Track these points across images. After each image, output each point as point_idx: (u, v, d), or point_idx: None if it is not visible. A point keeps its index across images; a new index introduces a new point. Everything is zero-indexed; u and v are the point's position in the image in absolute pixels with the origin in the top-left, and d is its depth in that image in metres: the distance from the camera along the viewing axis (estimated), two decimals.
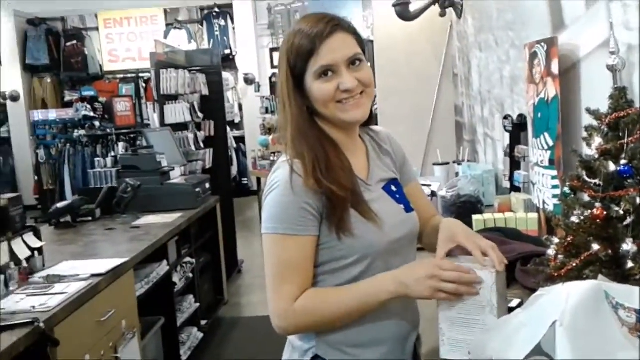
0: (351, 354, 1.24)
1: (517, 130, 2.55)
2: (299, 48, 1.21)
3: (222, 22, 9.18)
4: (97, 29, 9.42)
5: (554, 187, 1.96)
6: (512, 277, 1.63)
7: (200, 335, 3.62)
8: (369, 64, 1.29)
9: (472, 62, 3.59)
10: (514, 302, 1.44)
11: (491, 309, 1.15)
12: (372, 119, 1.38)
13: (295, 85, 1.23)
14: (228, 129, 6.11)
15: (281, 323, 1.20)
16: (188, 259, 3.52)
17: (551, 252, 1.34)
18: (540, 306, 1.05)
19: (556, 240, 1.34)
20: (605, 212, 1.22)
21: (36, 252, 2.38)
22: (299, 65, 1.21)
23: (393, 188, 1.34)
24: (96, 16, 9.36)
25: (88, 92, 8.42)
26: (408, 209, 1.33)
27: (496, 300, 1.15)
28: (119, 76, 9.33)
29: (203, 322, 3.72)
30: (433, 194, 2.54)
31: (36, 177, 7.72)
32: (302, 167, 1.19)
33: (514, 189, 2.55)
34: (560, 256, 1.31)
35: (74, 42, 9.29)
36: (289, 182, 1.18)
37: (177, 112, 4.51)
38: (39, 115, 7.76)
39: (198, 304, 3.60)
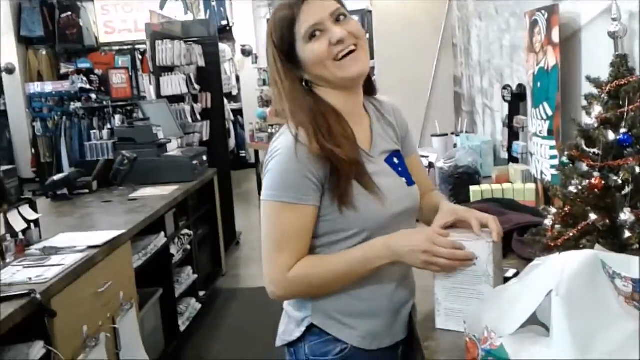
0: (346, 323, 1.24)
1: (516, 100, 2.52)
2: (281, 19, 1.21)
3: None
4: (92, 0, 9.28)
5: (553, 157, 1.94)
6: (508, 247, 1.62)
7: (199, 305, 3.65)
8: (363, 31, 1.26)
9: (471, 32, 3.54)
10: (510, 272, 1.43)
11: (487, 279, 1.15)
12: (374, 87, 1.37)
13: (286, 58, 1.21)
14: (225, 101, 6.07)
15: (275, 289, 1.21)
16: (186, 230, 3.52)
17: (548, 222, 1.33)
18: (535, 276, 1.04)
19: (553, 210, 1.33)
20: (603, 182, 1.21)
21: (32, 224, 2.37)
22: (285, 35, 1.20)
23: (395, 160, 1.33)
24: None
25: (84, 64, 8.34)
26: (410, 182, 1.32)
27: (492, 271, 1.14)
28: (115, 48, 9.21)
29: (201, 293, 3.74)
30: (431, 165, 2.51)
31: (33, 150, 7.69)
32: (304, 134, 1.17)
33: (512, 159, 2.53)
34: (557, 226, 1.30)
35: (69, 13, 9.14)
36: (293, 149, 1.16)
37: (174, 84, 4.46)
38: (35, 87, 7.71)
39: (196, 275, 3.61)
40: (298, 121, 1.19)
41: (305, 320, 1.26)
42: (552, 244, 1.28)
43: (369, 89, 1.35)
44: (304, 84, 1.24)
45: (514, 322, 1.03)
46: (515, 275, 1.40)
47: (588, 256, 1.00)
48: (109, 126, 4.80)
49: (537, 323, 1.07)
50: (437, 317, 1.23)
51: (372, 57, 4.67)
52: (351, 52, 1.20)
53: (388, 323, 1.26)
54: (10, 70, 8.82)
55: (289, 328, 1.29)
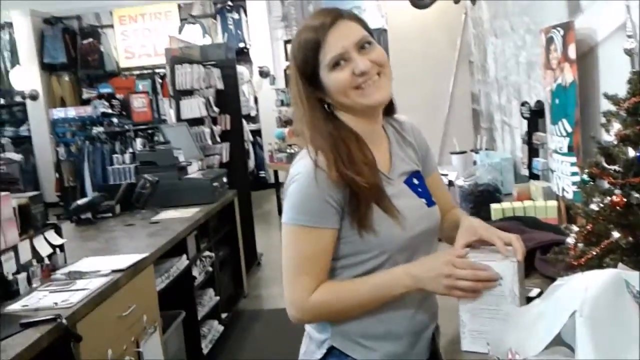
0: (367, 346, 1.24)
1: (535, 116, 2.52)
2: (305, 43, 1.21)
3: (236, 16, 9.19)
4: (112, 26, 9.49)
5: (574, 174, 1.93)
6: (531, 266, 1.61)
7: (221, 328, 3.65)
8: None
9: (487, 49, 3.55)
10: (534, 292, 1.42)
11: (513, 298, 1.14)
12: (394, 107, 1.38)
13: (308, 82, 1.22)
14: (244, 122, 6.13)
15: (296, 313, 1.22)
16: (207, 252, 3.54)
17: (571, 240, 1.32)
18: (559, 296, 1.03)
19: (576, 228, 1.32)
20: (625, 199, 1.20)
21: (57, 249, 2.41)
22: (309, 60, 1.20)
23: (415, 181, 1.33)
24: (111, 13, 9.43)
25: (105, 89, 8.50)
26: (430, 202, 1.32)
27: (518, 290, 1.14)
28: (135, 72, 9.39)
29: (223, 315, 3.75)
30: (450, 183, 2.52)
31: (57, 175, 7.81)
32: (324, 160, 1.18)
33: (533, 176, 2.52)
34: (579, 244, 1.29)
35: (90, 39, 9.37)
36: (312, 174, 1.17)
37: (193, 107, 4.52)
38: (58, 113, 7.86)
39: (218, 297, 3.62)
40: (317, 146, 1.20)
41: (326, 342, 1.26)
42: (575, 263, 1.27)
43: (389, 108, 1.35)
44: (325, 106, 1.25)
45: (538, 343, 1.02)
46: (539, 294, 1.39)
47: (611, 275, 0.99)
48: (130, 150, 4.87)
49: (562, 344, 1.07)
50: (463, 340, 1.22)
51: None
52: (373, 81, 1.21)
53: (409, 345, 1.25)
54: (34, 97, 9.04)
55: (309, 349, 1.30)
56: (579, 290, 0.99)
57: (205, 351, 3.31)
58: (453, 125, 4.07)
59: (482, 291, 1.15)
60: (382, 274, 1.20)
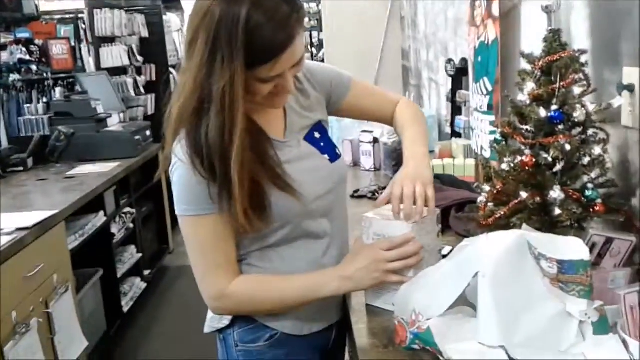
0: (283, 315, 1.20)
1: (460, 74, 2.51)
2: (261, 39, 0.98)
3: None
4: None
5: (492, 132, 1.93)
6: (445, 224, 1.61)
7: (144, 285, 3.57)
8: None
9: (418, 4, 3.50)
10: (447, 250, 1.42)
11: None
12: None
13: (228, 48, 0.99)
14: (174, 72, 5.88)
15: (219, 305, 1.16)
16: (128, 209, 3.42)
17: (481, 199, 1.32)
18: (463, 257, 1.02)
19: (487, 188, 1.31)
20: (534, 159, 1.19)
21: None
22: (251, 54, 0.99)
23: (316, 135, 1.25)
24: None
25: (23, 34, 7.92)
26: (333, 157, 1.25)
27: None
28: (56, 17, 8.79)
29: (146, 272, 3.66)
30: (375, 140, 2.49)
31: None
32: (185, 145, 1.06)
33: (455, 134, 2.53)
34: (490, 204, 1.29)
35: None
36: (184, 161, 1.06)
37: (114, 55, 4.29)
38: None
39: (140, 255, 3.52)
40: (183, 124, 1.06)
41: None
42: (484, 222, 1.27)
43: None
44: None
45: (442, 305, 1.01)
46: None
47: (514, 238, 0.98)
48: (45, 100, 4.59)
49: (466, 303, 1.07)
50: (366, 293, 1.22)
51: (320, 30, 4.60)
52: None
53: (319, 308, 1.22)
54: None
55: (217, 315, 1.24)
56: (483, 252, 0.99)
57: (125, 309, 3.24)
58: (383, 81, 4.03)
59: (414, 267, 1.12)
60: (310, 275, 1.15)
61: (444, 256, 1.21)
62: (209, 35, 0.99)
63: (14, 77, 6.78)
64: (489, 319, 0.95)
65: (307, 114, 1.25)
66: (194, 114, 1.03)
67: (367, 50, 4.04)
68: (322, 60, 4.60)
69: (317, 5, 7.27)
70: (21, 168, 3.26)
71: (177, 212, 1.12)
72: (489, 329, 0.95)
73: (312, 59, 7.62)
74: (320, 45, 6.80)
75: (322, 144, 1.25)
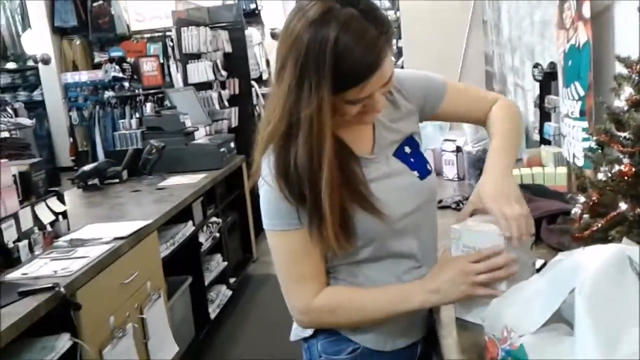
0: (366, 329, 1.20)
1: (548, 79, 2.41)
2: (350, 62, 0.97)
3: None
4: None
5: (585, 139, 1.85)
6: (537, 236, 1.55)
7: (229, 292, 3.67)
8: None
9: (501, 8, 3.41)
10: (539, 263, 1.36)
11: None
12: None
13: (315, 68, 0.99)
14: (256, 85, 6.05)
15: (304, 318, 1.17)
16: (214, 218, 3.53)
17: (576, 211, 1.26)
18: (558, 272, 0.98)
19: (582, 198, 1.25)
20: (634, 169, 1.13)
21: (60, 216, 2.40)
22: (339, 78, 0.99)
23: (407, 150, 1.22)
24: None
25: (116, 53, 8.43)
26: (423, 173, 1.22)
27: None
28: (146, 36, 9.28)
29: (232, 280, 3.76)
30: (458, 149, 2.44)
31: (71, 139, 7.84)
32: (273, 161, 1.08)
33: (544, 141, 2.43)
34: (585, 216, 1.23)
35: (101, 2, 9.24)
36: (276, 186, 1.08)
37: (200, 71, 4.46)
38: (70, 77, 7.84)
39: (226, 263, 3.63)
40: (271, 140, 1.08)
41: None
42: (580, 235, 1.21)
43: None
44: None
45: (536, 321, 0.98)
46: (544, 265, 1.34)
47: (613, 252, 0.93)
48: (138, 115, 4.84)
49: (561, 320, 1.02)
50: (455, 307, 1.19)
51: (399, 37, 4.57)
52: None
53: (403, 323, 1.20)
54: (46, 61, 8.99)
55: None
56: (579, 267, 0.94)
57: (212, 316, 3.34)
58: None
59: (506, 278, 1.09)
60: (395, 288, 1.14)
61: (538, 270, 1.17)
62: (297, 61, 0.99)
63: (108, 94, 7.22)
64: (587, 338, 0.91)
65: (397, 127, 1.22)
66: (283, 138, 1.05)
67: (448, 56, 3.97)
68: (402, 67, 4.57)
69: (395, 13, 7.25)
70: (117, 180, 3.45)
71: (264, 226, 1.14)
72: (587, 348, 0.90)
73: None
74: (399, 53, 6.76)
75: (412, 160, 1.22)
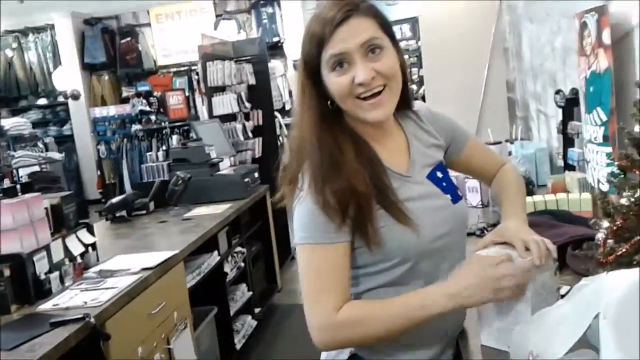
0: (392, 355, 1.20)
1: (570, 105, 2.42)
2: (312, 36, 1.12)
3: (270, 10, 9.19)
4: (149, 24, 9.62)
5: (609, 164, 1.84)
6: (562, 261, 1.54)
7: (254, 323, 3.67)
8: (395, 50, 1.16)
9: (522, 35, 3.44)
10: (564, 289, 1.36)
11: (525, 298, 1.10)
12: (409, 101, 1.28)
13: (312, 76, 1.15)
14: (279, 116, 6.13)
15: (323, 335, 1.12)
16: (239, 248, 3.56)
17: (600, 236, 1.26)
18: (582, 297, 0.98)
19: (605, 223, 1.25)
20: None
21: (90, 248, 2.45)
22: (313, 54, 1.12)
23: (439, 174, 1.25)
24: (148, 12, 9.56)
25: (143, 87, 8.65)
26: (455, 198, 1.24)
27: (531, 293, 1.09)
28: (172, 70, 9.51)
29: (257, 310, 3.76)
30: None
31: (99, 172, 8.01)
32: (309, 179, 1.13)
33: (569, 167, 2.42)
34: (609, 241, 1.23)
35: (128, 38, 9.52)
36: (311, 196, 1.12)
37: (225, 103, 4.55)
38: (99, 112, 8.05)
39: (251, 292, 3.64)
40: (305, 159, 1.14)
41: (348, 349, 1.22)
42: (605, 260, 1.20)
43: (404, 102, 1.25)
44: (329, 103, 1.17)
45: (561, 347, 0.97)
46: (569, 292, 1.33)
47: (638, 276, 0.93)
48: (164, 147, 4.94)
49: (588, 346, 1.01)
50: (482, 334, 1.20)
51: (420, 66, 4.62)
52: (376, 93, 1.12)
53: (435, 353, 1.20)
54: (75, 97, 9.25)
55: (331, 354, 1.26)
56: (603, 292, 0.94)
57: (238, 346, 3.33)
58: (488, 115, 3.96)
59: (526, 285, 1.09)
60: (415, 294, 1.10)
61: (562, 296, 1.17)
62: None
63: (135, 127, 7.38)
64: None
65: (430, 153, 1.26)
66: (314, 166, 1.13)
67: (470, 84, 4.00)
68: (423, 97, 4.60)
69: (417, 42, 7.32)
70: (144, 212, 3.51)
71: (299, 241, 1.14)
72: None
73: (413, 96, 7.63)
74: (420, 82, 6.81)
75: (444, 184, 1.24)
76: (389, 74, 1.12)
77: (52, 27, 9.24)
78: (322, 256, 1.12)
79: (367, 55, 1.11)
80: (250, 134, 4.90)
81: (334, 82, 1.12)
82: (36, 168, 5.37)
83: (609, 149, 1.86)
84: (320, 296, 1.12)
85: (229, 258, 3.38)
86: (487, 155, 1.43)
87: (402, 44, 8.59)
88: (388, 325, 1.10)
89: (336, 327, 1.11)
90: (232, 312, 3.28)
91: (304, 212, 1.13)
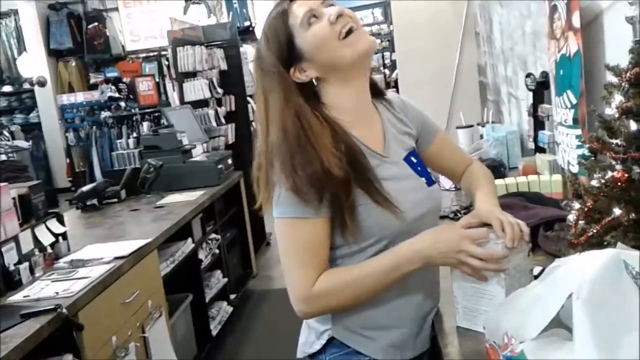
0: (368, 336, 1.21)
1: (541, 88, 2.45)
2: (274, 18, 1.18)
3: None
4: (116, 9, 9.43)
5: (579, 146, 1.87)
6: (534, 242, 1.57)
7: (230, 309, 3.67)
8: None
9: (493, 19, 3.46)
10: (537, 270, 1.38)
11: (498, 280, 1.12)
12: (380, 89, 1.33)
13: (286, 59, 1.17)
14: (252, 101, 6.09)
15: (304, 307, 1.16)
16: (213, 235, 3.54)
17: (571, 217, 1.28)
18: (555, 278, 1.00)
19: (577, 205, 1.27)
20: (627, 174, 1.15)
21: (60, 238, 2.41)
22: (280, 31, 1.16)
23: (413, 159, 1.28)
24: None
25: (112, 74, 8.45)
26: (429, 181, 1.27)
27: (504, 275, 1.11)
28: (141, 55, 9.35)
29: (232, 296, 3.76)
30: None
31: (68, 160, 7.85)
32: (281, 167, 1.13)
33: (539, 149, 2.46)
34: (580, 222, 1.25)
35: (95, 23, 9.32)
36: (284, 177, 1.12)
37: (197, 89, 4.49)
38: (66, 99, 7.87)
39: (226, 279, 3.63)
40: (274, 146, 1.14)
41: (325, 332, 1.23)
42: (576, 241, 1.22)
43: (376, 91, 1.30)
44: (313, 86, 1.20)
45: (535, 327, 0.99)
46: (542, 273, 1.35)
47: (610, 256, 0.95)
48: (135, 134, 4.86)
49: (561, 325, 1.03)
50: (457, 315, 1.21)
51: (392, 50, 4.61)
52: (351, 29, 1.16)
53: (412, 334, 1.22)
54: (42, 83, 9.03)
55: (309, 339, 1.26)
56: (576, 272, 0.96)
57: (214, 332, 3.33)
58: (460, 99, 3.98)
59: (489, 272, 1.11)
60: (387, 254, 1.15)
61: (536, 277, 1.18)
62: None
63: (105, 114, 7.23)
64: (586, 342, 0.92)
65: (404, 139, 1.29)
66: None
67: (442, 69, 4.01)
68: (396, 81, 4.60)
69: (388, 27, 7.31)
70: (115, 200, 3.46)
71: (279, 215, 1.15)
72: (586, 352, 0.92)
73: (386, 80, 7.64)
74: (393, 66, 6.82)
75: (419, 168, 1.27)
76: (353, 15, 1.19)
77: (15, 12, 8.97)
78: (303, 230, 1.13)
79: (328, 6, 1.18)
80: (223, 120, 4.85)
81: (314, 32, 1.16)
82: (2, 157, 5.24)
83: (579, 132, 1.89)
84: (300, 270, 1.14)
85: (204, 245, 3.36)
86: (456, 151, 1.47)
87: (374, 28, 8.58)
88: (364, 290, 1.15)
89: (315, 298, 1.14)
90: (207, 299, 3.27)
91: (282, 195, 1.13)
